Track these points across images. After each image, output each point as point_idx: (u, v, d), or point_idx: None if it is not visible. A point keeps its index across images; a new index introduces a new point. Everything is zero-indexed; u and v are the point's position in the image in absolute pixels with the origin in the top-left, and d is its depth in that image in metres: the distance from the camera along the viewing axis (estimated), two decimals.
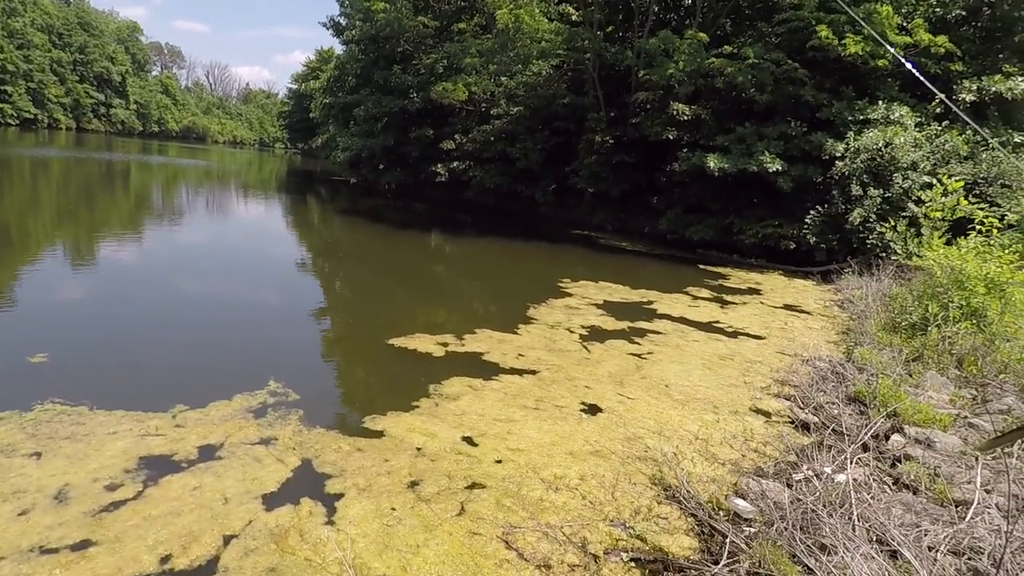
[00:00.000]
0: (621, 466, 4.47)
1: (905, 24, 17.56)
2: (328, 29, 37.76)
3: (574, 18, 26.10)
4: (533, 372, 6.41)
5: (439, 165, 28.63)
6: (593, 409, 5.57)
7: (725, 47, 19.33)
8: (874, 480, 4.23)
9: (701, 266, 16.05)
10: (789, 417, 5.68)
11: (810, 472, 4.33)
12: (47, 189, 21.48)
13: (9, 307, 7.43)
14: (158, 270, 10.51)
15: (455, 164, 28.24)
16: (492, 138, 26.84)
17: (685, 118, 19.24)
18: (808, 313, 11.12)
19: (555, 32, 22.95)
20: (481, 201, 28.40)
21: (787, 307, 11.56)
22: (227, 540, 3.31)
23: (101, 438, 4.27)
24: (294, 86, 75.56)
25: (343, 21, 36.42)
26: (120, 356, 6.13)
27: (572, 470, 4.36)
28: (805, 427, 5.41)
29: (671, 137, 19.79)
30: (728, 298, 11.89)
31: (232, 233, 16.79)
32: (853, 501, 3.65)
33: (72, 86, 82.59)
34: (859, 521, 3.49)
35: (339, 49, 43.10)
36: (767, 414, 5.77)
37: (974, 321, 7.68)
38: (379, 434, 4.69)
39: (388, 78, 29.88)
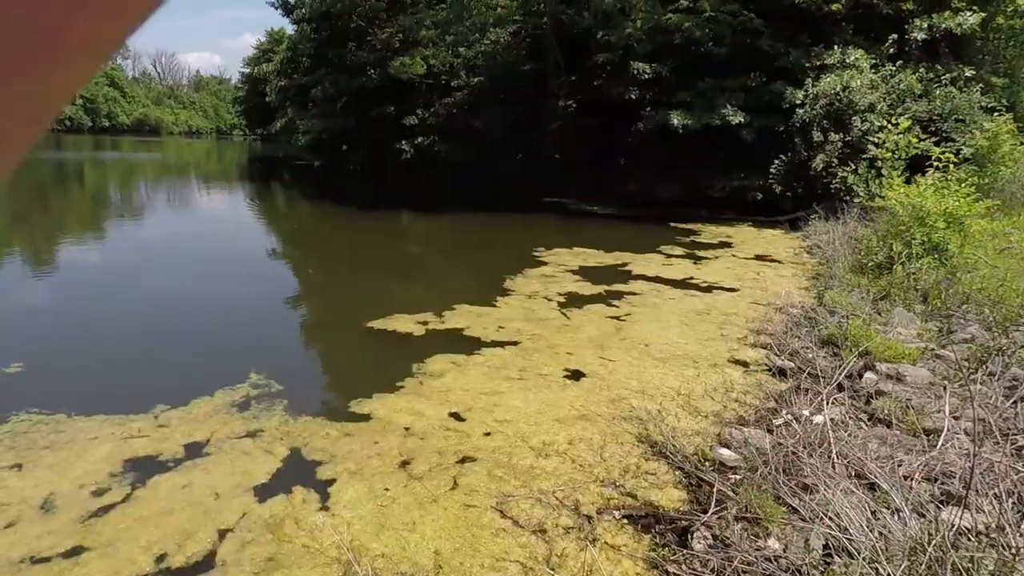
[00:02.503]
0: (608, 427, 4.56)
1: None
2: (277, 9, 36.48)
3: None
4: (514, 343, 6.45)
5: (403, 142, 28.21)
6: (576, 375, 5.65)
7: (682, 1, 19.19)
8: (850, 418, 4.39)
9: (672, 224, 16.19)
10: (766, 365, 5.83)
11: (789, 416, 4.47)
12: None
13: None
14: (125, 270, 10.24)
15: (419, 140, 27.84)
16: (454, 111, 26.48)
17: (646, 76, 19.16)
18: (779, 262, 11.34)
19: None
20: (449, 176, 28.09)
21: (758, 258, 11.76)
22: (222, 534, 3.31)
23: (83, 444, 4.20)
24: (247, 70, 73.21)
25: None
26: (96, 360, 6.00)
27: (560, 436, 4.43)
28: (782, 373, 5.56)
29: (634, 97, 19.71)
30: (701, 253, 12.04)
31: (197, 226, 16.38)
32: (831, 440, 3.79)
33: None
34: (838, 458, 3.62)
35: (291, 29, 41.76)
36: (745, 364, 5.91)
37: (936, 256, 7.93)
38: (366, 417, 4.70)
39: (344, 56, 29.12)
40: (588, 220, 17.55)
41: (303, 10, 32.99)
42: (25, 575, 2.99)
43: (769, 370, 5.71)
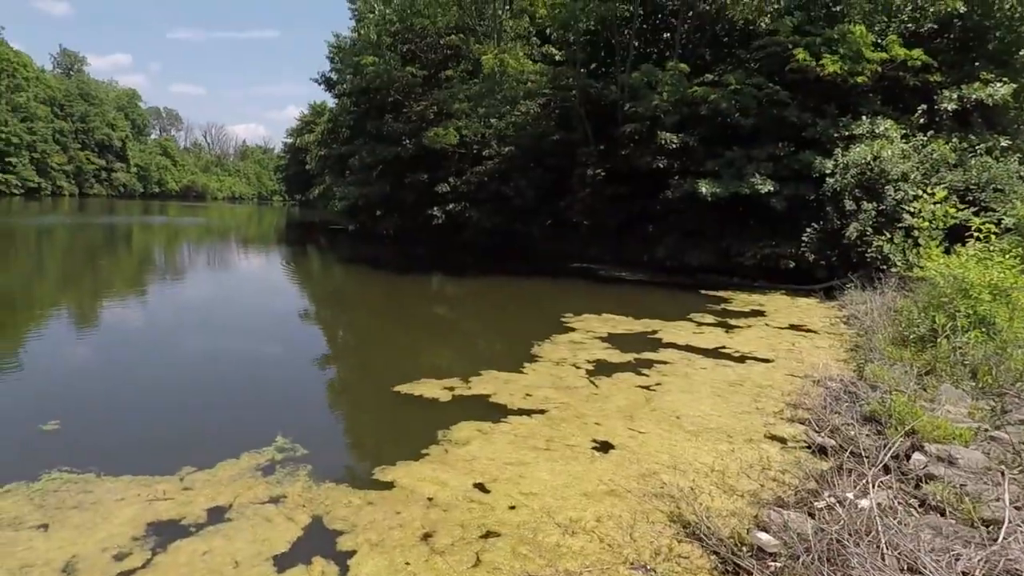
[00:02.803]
0: (638, 504, 4.37)
1: (880, 41, 17.99)
2: (320, 84, 38.80)
3: (557, 58, 26.74)
4: (541, 411, 6.33)
5: (435, 208, 28.94)
6: (605, 446, 5.48)
7: (707, 75, 19.77)
8: (899, 503, 4.12)
9: (703, 291, 16.04)
10: (805, 441, 5.58)
11: (832, 499, 4.22)
12: (51, 256, 21.70)
13: (25, 375, 7.42)
14: (163, 329, 10.52)
15: (451, 206, 28.54)
16: (486, 178, 27.21)
17: (673, 146, 19.53)
18: (814, 332, 11.05)
19: (540, 72, 23.49)
20: (479, 241, 28.58)
21: (793, 327, 11.50)
22: None
23: (109, 505, 4.19)
24: (289, 140, 77.09)
25: (334, 76, 37.43)
26: (129, 418, 6.08)
27: (588, 512, 4.26)
28: (822, 451, 5.30)
29: (661, 166, 20.05)
30: (732, 322, 11.84)
31: (234, 287, 16.86)
32: (879, 528, 3.55)
33: (74, 154, 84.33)
34: (888, 549, 3.38)
35: (332, 103, 44.12)
36: (782, 440, 5.67)
37: (983, 329, 7.62)
38: (389, 485, 4.61)
39: (380, 127, 30.50)
40: (617, 286, 17.52)
41: (344, 85, 34.96)
42: None
43: (808, 447, 5.46)
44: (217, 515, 4.12)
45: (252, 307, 13.59)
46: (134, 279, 16.84)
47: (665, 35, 25.35)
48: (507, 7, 27.99)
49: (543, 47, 27.97)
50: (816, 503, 4.25)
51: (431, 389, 6.93)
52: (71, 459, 4.82)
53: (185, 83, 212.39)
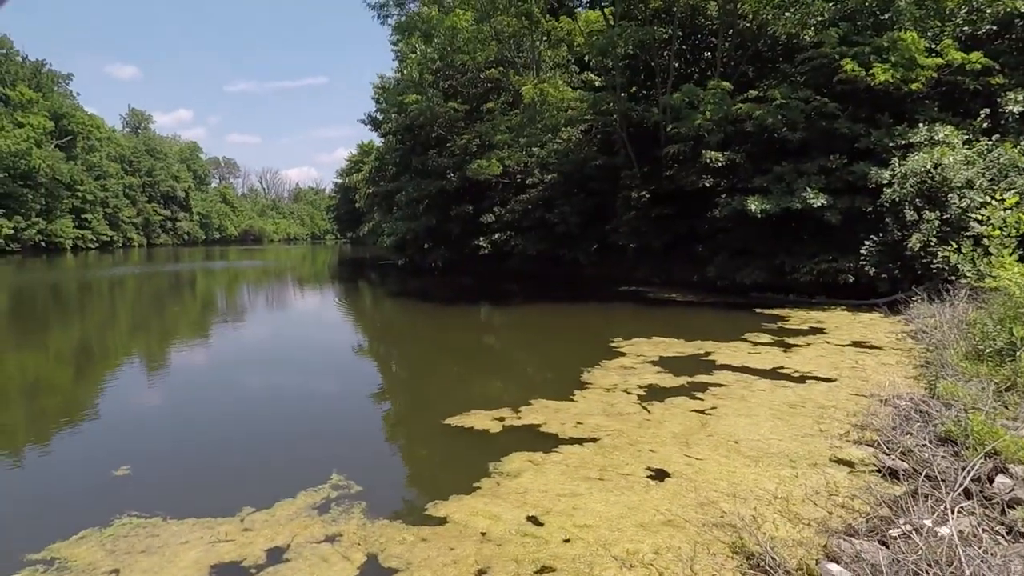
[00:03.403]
0: (697, 535, 4.21)
1: (934, 46, 17.35)
2: (367, 125, 40.22)
3: (597, 84, 26.96)
4: (593, 440, 6.22)
5: (481, 238, 29.31)
6: (660, 474, 5.33)
7: (751, 92, 19.47)
8: (983, 531, 3.82)
9: (757, 310, 15.55)
10: (875, 465, 5.28)
11: (908, 526, 3.96)
12: (123, 305, 23.03)
13: (100, 421, 7.84)
14: (224, 370, 10.97)
15: (496, 236, 28.84)
16: (530, 207, 27.43)
17: (719, 164, 19.24)
18: (879, 348, 10.52)
19: (580, 99, 23.70)
20: (525, 268, 28.71)
21: (856, 344, 10.98)
22: None
23: (174, 549, 4.33)
24: (339, 180, 79.90)
25: (380, 116, 38.78)
26: (193, 460, 6.32)
27: (645, 544, 4.13)
28: (894, 475, 5.00)
29: (707, 185, 19.76)
30: (790, 340, 11.40)
31: (291, 327, 17.43)
32: (962, 557, 3.30)
33: (142, 206, 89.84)
34: None
35: (378, 142, 45.64)
36: (850, 464, 5.38)
37: None
38: (442, 521, 4.60)
39: (425, 162, 31.33)
40: (666, 308, 17.20)
41: (389, 124, 36.16)
42: None
43: (878, 471, 5.15)
44: (276, 556, 4.20)
45: (308, 345, 13.98)
46: (197, 323, 17.64)
47: (706, 54, 25.21)
48: (545, 39, 28.49)
49: (582, 74, 28.28)
50: (890, 531, 3.99)
51: (481, 420, 6.93)
52: (140, 503, 5.02)
53: (241, 133, 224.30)
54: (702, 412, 7.11)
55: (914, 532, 3.84)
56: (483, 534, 4.36)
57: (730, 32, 22.97)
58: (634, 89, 26.28)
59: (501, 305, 20.41)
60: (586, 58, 26.06)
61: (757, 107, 18.32)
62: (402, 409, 8.64)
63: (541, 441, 6.24)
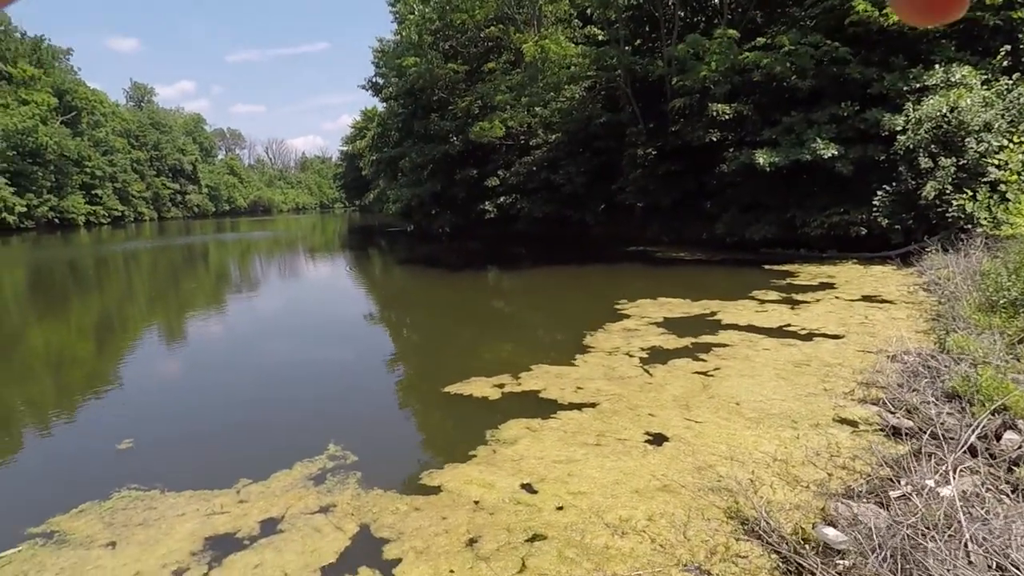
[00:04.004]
0: (692, 500, 4.15)
1: None
2: (368, 90, 39.57)
3: (600, 38, 26.13)
4: (592, 405, 6.15)
5: (487, 203, 29.04)
6: (658, 439, 5.26)
7: (758, 39, 18.75)
8: (987, 491, 3.72)
9: (766, 266, 15.29)
10: (879, 424, 5.16)
11: (909, 487, 3.86)
12: (139, 278, 23.20)
13: (109, 395, 7.90)
14: (232, 342, 11.02)
15: (502, 199, 28.54)
16: (534, 168, 27.02)
17: (726, 117, 18.69)
18: (890, 302, 10.30)
19: (582, 55, 23.02)
20: (532, 231, 28.46)
21: (866, 298, 10.76)
22: None
23: (171, 521, 4.36)
24: (345, 148, 79.27)
25: (380, 81, 38.06)
26: (194, 433, 6.35)
27: (639, 510, 4.08)
28: (898, 434, 4.89)
29: (714, 139, 19.26)
30: (799, 297, 11.20)
31: (301, 296, 17.47)
32: (962, 519, 3.20)
33: (151, 180, 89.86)
34: (973, 544, 3.04)
35: (381, 107, 44.94)
36: (853, 423, 5.27)
37: None
38: (436, 490, 4.58)
39: (428, 126, 30.85)
40: (674, 267, 16.97)
41: (390, 89, 35.53)
42: None
43: (882, 430, 5.04)
44: (270, 527, 4.21)
45: (317, 314, 14.00)
46: (211, 295, 17.71)
47: (712, 1, 24.25)
48: None
49: (585, 28, 27.40)
50: (890, 492, 3.90)
51: (481, 388, 6.89)
52: (140, 477, 5.06)
53: (245, 103, 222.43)
54: (704, 374, 7.01)
55: (915, 493, 3.74)
56: (476, 503, 4.34)
57: None
58: (638, 42, 25.48)
59: (508, 269, 20.27)
60: (588, 11, 25.18)
61: (765, 55, 17.66)
62: (403, 377, 8.63)
63: (540, 407, 6.18)
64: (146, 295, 18.41)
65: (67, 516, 4.49)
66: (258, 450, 5.67)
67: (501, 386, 6.91)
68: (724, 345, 8.19)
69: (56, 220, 67.87)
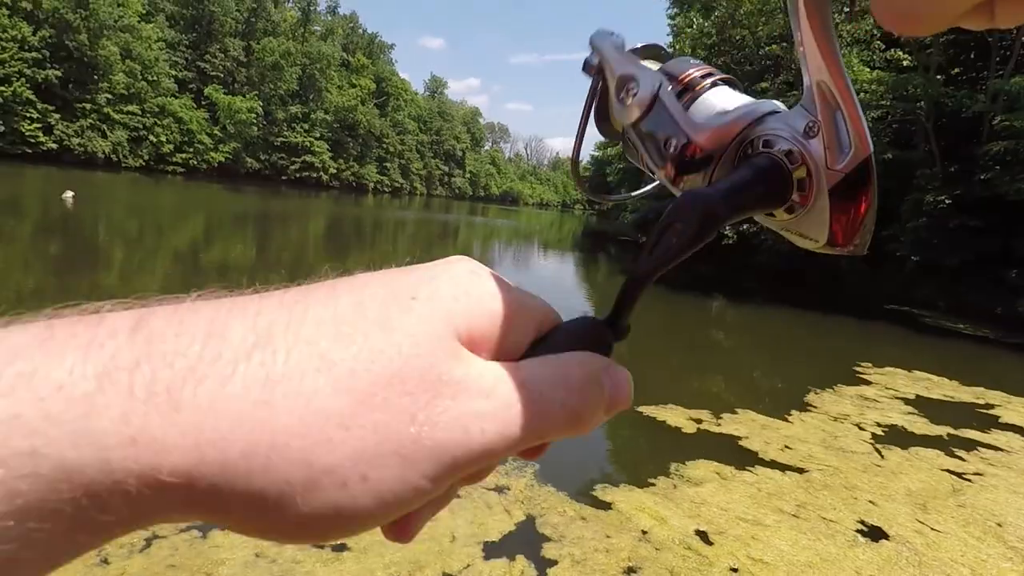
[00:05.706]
0: None
1: None
2: None
3: (905, 63, 22.72)
4: (799, 470, 5.45)
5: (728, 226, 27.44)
6: (875, 533, 4.45)
7: None
8: None
9: None
10: None
11: None
12: (402, 240, 26.96)
13: None
14: None
15: (745, 226, 26.65)
16: None
17: None
18: None
19: (876, 81, 20.28)
20: (773, 265, 26.06)
21: None
22: None
23: None
24: (596, 153, 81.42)
25: None
26: None
27: None
28: None
29: None
30: None
31: (528, 286, 18.50)
32: None
33: (428, 161, 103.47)
34: None
35: None
36: None
37: None
38: (606, 506, 4.50)
39: None
40: (946, 339, 14.13)
41: None
42: (287, 567, 3.63)
43: None
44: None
45: None
46: None
47: None
48: (844, 9, 24.80)
49: (887, 51, 24.08)
50: None
51: (676, 417, 6.56)
52: None
53: (516, 101, 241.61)
54: (958, 475, 5.73)
55: None
56: (644, 532, 4.16)
57: None
58: (956, 71, 21.58)
59: (736, 301, 18.96)
60: (895, 32, 21.98)
61: None
62: None
63: (736, 456, 5.68)
64: (405, 254, 21.21)
65: None
66: None
67: (699, 421, 6.50)
68: (996, 448, 6.59)
69: (353, 183, 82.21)
